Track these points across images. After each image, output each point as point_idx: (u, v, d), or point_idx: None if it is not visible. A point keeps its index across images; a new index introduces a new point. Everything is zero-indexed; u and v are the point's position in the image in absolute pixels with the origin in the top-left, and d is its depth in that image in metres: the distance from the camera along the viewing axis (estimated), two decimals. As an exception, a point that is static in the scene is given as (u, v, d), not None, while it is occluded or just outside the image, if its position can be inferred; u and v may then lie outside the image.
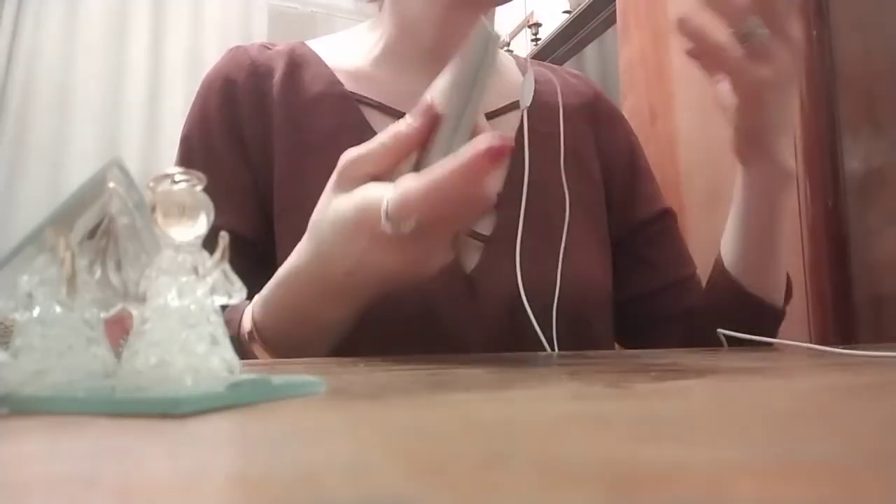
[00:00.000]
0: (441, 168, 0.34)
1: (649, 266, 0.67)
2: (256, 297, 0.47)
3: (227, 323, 0.46)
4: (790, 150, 0.56)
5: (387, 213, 0.36)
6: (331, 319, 0.44)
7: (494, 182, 0.37)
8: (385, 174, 0.39)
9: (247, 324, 0.46)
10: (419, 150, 0.39)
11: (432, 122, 0.38)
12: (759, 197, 0.57)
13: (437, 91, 0.40)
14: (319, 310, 0.43)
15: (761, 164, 0.56)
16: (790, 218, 0.61)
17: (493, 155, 0.33)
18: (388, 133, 0.39)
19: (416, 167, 0.39)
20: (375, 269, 0.39)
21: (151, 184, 0.20)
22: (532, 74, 0.65)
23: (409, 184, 0.35)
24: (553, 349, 0.53)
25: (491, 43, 0.39)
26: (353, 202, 0.38)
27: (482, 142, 0.34)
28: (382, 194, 0.37)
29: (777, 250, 0.59)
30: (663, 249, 0.68)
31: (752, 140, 0.55)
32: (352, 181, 0.39)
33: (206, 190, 0.21)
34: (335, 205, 0.40)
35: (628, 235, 0.67)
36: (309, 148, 0.58)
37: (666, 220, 0.69)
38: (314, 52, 0.64)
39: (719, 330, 0.54)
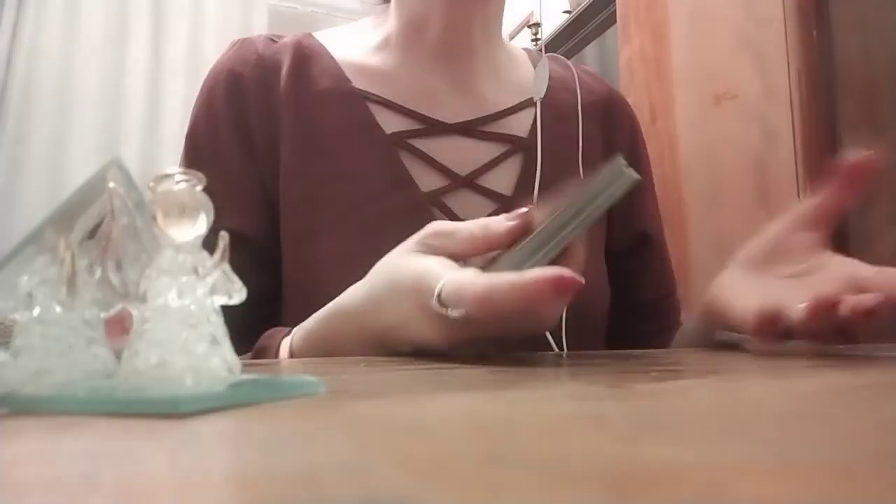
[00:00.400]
0: (503, 278, 0.34)
1: (626, 286, 0.65)
2: (297, 330, 0.47)
3: (265, 349, 0.47)
4: None
5: (439, 295, 0.36)
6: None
7: (555, 313, 0.37)
8: (462, 258, 0.40)
9: (284, 352, 0.47)
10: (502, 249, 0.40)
11: (525, 229, 0.39)
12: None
13: (549, 204, 0.40)
14: (353, 351, 0.44)
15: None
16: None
17: (557, 285, 0.33)
18: (481, 224, 0.39)
19: (491, 261, 0.40)
20: (415, 335, 0.40)
21: (151, 184, 0.20)
22: (546, 66, 0.63)
23: (468, 278, 0.36)
24: (561, 351, 0.53)
25: (620, 185, 0.39)
26: (416, 268, 0.39)
27: (553, 270, 0.33)
28: (442, 275, 0.37)
29: None
30: (642, 272, 0.66)
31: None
32: (428, 248, 0.40)
33: (211, 186, 0.21)
34: (404, 261, 0.40)
35: (615, 248, 0.66)
36: (316, 144, 0.58)
37: (652, 244, 0.67)
38: (321, 45, 0.63)
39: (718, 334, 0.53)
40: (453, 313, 0.36)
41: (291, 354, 0.46)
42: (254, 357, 0.48)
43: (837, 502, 0.09)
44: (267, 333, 0.49)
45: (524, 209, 0.39)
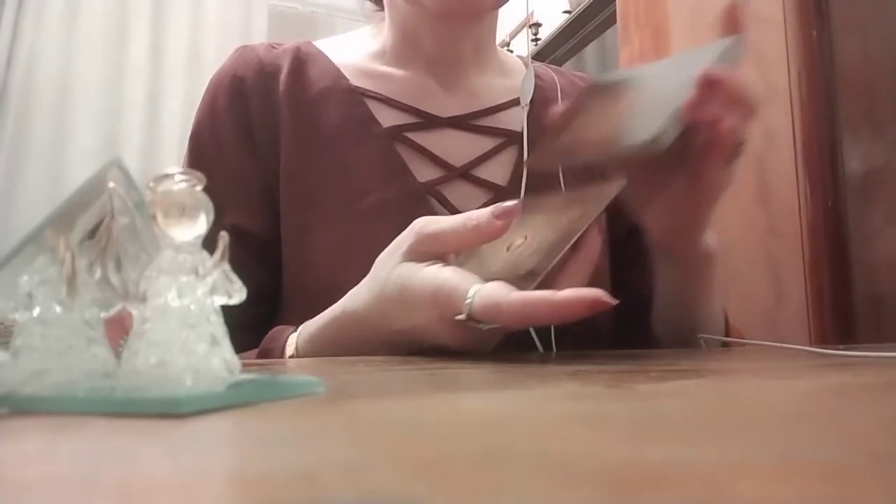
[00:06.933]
0: (541, 300, 0.35)
1: (619, 284, 0.64)
2: (303, 330, 0.48)
3: (270, 351, 0.48)
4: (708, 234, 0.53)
5: (469, 309, 0.37)
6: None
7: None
8: (449, 254, 0.41)
9: (289, 352, 0.47)
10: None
11: (509, 225, 0.40)
12: (682, 284, 0.54)
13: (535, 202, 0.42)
14: (359, 352, 0.45)
15: (687, 254, 0.52)
16: (719, 288, 0.56)
17: (592, 307, 0.34)
18: (468, 224, 0.40)
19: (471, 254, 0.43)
20: (431, 340, 0.41)
21: (151, 184, 0.20)
22: (532, 72, 0.65)
23: (500, 293, 0.36)
24: (552, 350, 0.53)
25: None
26: (431, 282, 0.39)
27: (589, 292, 0.34)
28: (466, 286, 0.37)
29: (704, 316, 0.56)
30: (635, 269, 0.65)
31: (685, 230, 0.51)
32: (421, 254, 0.41)
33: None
34: (406, 270, 0.41)
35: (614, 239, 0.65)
36: (315, 142, 0.59)
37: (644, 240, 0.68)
38: (319, 50, 0.65)
39: (700, 335, 0.53)
40: (485, 327, 0.37)
41: (297, 355, 0.47)
42: (259, 358, 0.48)
43: (837, 502, 0.09)
44: (270, 335, 0.50)
45: (511, 203, 0.40)
